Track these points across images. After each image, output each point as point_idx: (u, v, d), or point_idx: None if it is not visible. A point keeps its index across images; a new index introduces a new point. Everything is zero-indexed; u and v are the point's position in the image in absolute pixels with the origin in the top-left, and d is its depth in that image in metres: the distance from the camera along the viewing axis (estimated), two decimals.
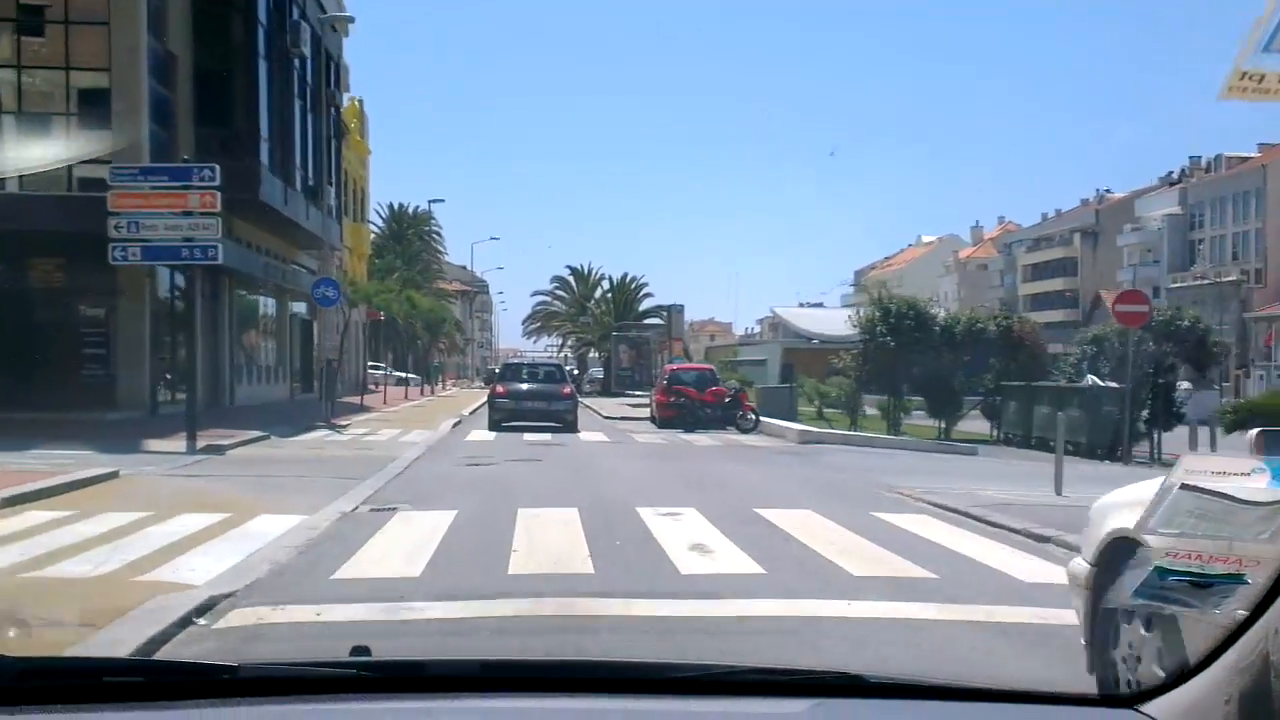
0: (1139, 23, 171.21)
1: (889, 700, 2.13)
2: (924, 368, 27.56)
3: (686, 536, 9.83)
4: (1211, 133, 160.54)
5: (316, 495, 12.88)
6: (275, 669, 2.23)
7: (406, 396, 46.99)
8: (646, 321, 58.81)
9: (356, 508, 12.08)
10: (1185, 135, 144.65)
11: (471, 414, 35.75)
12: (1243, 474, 1.65)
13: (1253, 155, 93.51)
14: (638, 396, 45.19)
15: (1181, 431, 23.32)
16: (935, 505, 13.00)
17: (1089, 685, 3.12)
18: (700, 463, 18.97)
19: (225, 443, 19.95)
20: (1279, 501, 1.60)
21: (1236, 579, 1.56)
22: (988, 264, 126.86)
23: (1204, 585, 1.61)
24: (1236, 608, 1.57)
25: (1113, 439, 22.34)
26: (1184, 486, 1.66)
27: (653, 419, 31.58)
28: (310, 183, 37.07)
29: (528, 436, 24.90)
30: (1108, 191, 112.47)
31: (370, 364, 59.09)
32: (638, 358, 51.94)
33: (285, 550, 9.09)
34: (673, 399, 29.18)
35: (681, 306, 40.81)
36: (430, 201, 72.41)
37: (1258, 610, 1.50)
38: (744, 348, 72.25)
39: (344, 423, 27.65)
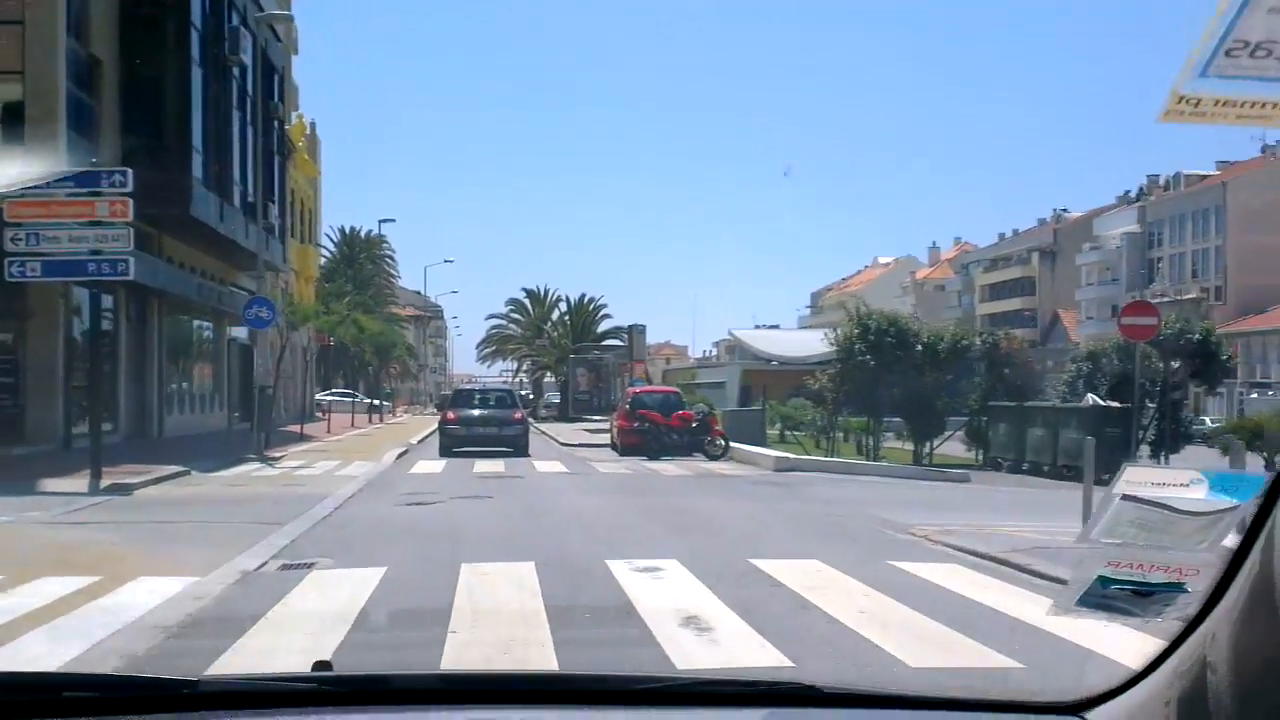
0: (1094, 42, 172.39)
1: (842, 710, 2.15)
2: (905, 388, 25.62)
3: (674, 603, 7.73)
4: (1169, 151, 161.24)
5: (219, 547, 10.69)
6: (235, 683, 2.27)
7: (353, 424, 44.59)
8: (605, 343, 56.83)
9: (264, 564, 9.91)
10: (1143, 153, 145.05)
11: (420, 442, 33.57)
12: (1182, 485, 1.65)
13: (1211, 173, 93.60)
14: (597, 421, 43.57)
15: (1193, 452, 21.47)
16: (959, 549, 10.99)
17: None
18: (673, 497, 16.90)
19: (135, 481, 17.65)
20: (1217, 512, 1.57)
21: (1177, 587, 1.56)
22: (945, 284, 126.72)
23: (1146, 593, 1.61)
24: (1177, 615, 1.55)
25: (1117, 463, 20.45)
26: (1125, 497, 1.67)
27: (614, 446, 29.70)
28: (250, 200, 34.72)
29: (478, 467, 22.75)
30: (1065, 211, 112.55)
31: (338, 391, 56.81)
32: (596, 381, 49.91)
33: (149, 633, 6.94)
34: (636, 424, 27.14)
35: (643, 327, 38.68)
36: (380, 221, 70.39)
37: (1198, 617, 1.49)
38: (702, 370, 70.70)
39: (278, 455, 25.34)
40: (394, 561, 9.73)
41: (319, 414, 48.90)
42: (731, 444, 26.52)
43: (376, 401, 66.45)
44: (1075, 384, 24.62)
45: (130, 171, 17.69)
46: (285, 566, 9.79)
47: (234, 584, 8.84)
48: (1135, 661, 1.71)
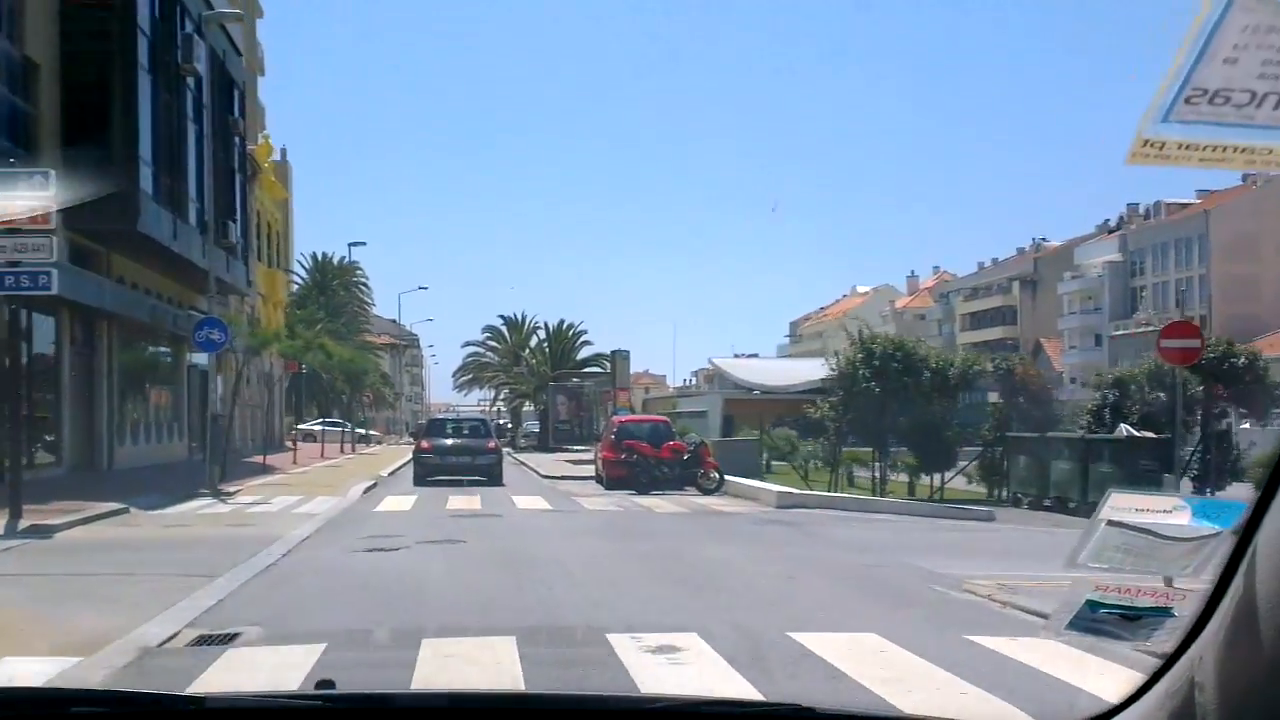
0: (1071, 73, 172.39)
1: None
2: (912, 416, 23.68)
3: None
4: (1147, 180, 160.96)
5: (128, 609, 8.62)
6: (241, 700, 2.28)
7: (323, 455, 42.34)
8: (586, 371, 54.83)
9: (175, 635, 7.85)
10: (1120, 183, 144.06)
11: (391, 474, 31.47)
12: (1165, 511, 1.71)
13: (1192, 201, 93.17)
14: (578, 452, 41.67)
15: (1242, 491, 19.55)
16: (1030, 612, 8.95)
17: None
18: (672, 540, 14.84)
19: (61, 521, 15.51)
20: (1201, 538, 1.61)
21: (1164, 611, 1.65)
22: (925, 314, 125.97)
23: (1134, 618, 1.69)
24: (1167, 639, 1.59)
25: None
26: (1110, 523, 1.76)
27: (599, 478, 27.69)
28: (209, 218, 32.60)
29: (452, 503, 20.68)
30: (1044, 240, 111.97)
31: (327, 421, 54.61)
32: (578, 409, 47.89)
33: None
34: (623, 456, 25.09)
35: (627, 353, 36.67)
36: (351, 245, 67.71)
37: (1186, 641, 1.49)
38: (683, 399, 68.82)
39: (234, 489, 23.15)
40: (337, 634, 7.66)
41: (288, 444, 46.67)
42: (725, 477, 24.60)
43: (364, 431, 64.55)
44: (1101, 413, 22.70)
45: (52, 173, 15.61)
46: (201, 640, 7.71)
47: (124, 668, 6.76)
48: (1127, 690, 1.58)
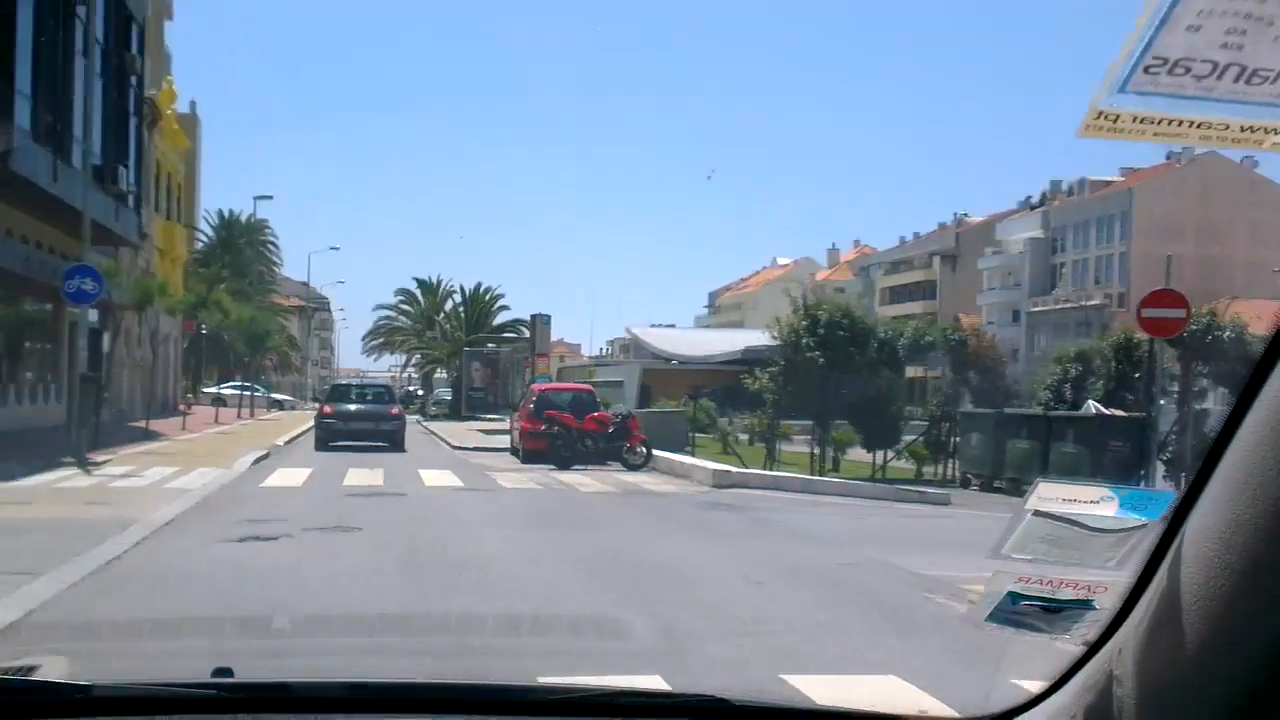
0: (998, 47, 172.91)
1: None
2: (858, 390, 21.85)
3: None
4: (1072, 156, 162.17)
5: None
6: (131, 689, 2.15)
7: (217, 420, 39.58)
8: (504, 336, 52.44)
9: None
10: (1044, 159, 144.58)
11: (288, 443, 29.02)
12: (1092, 501, 1.66)
13: (1115, 179, 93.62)
14: (493, 421, 39.51)
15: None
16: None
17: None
18: (610, 532, 12.76)
19: None
20: (1127, 529, 1.60)
21: (1086, 604, 1.60)
22: (845, 287, 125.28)
23: (1055, 610, 1.64)
24: (1087, 631, 1.57)
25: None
26: (1036, 513, 1.67)
27: (515, 451, 25.65)
28: (97, 162, 29.64)
29: (351, 477, 18.48)
30: (965, 215, 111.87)
31: (238, 384, 51.28)
32: (493, 377, 45.54)
33: None
34: (544, 427, 22.95)
35: (548, 317, 34.34)
36: (257, 199, 63.78)
37: (1106, 633, 1.51)
38: (600, 368, 67.19)
39: (105, 458, 20.58)
40: (163, 674, 5.48)
41: (183, 409, 43.76)
42: (653, 451, 22.69)
43: (279, 397, 61.43)
44: (1061, 388, 21.07)
45: None
46: None
47: None
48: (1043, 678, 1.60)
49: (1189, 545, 1.23)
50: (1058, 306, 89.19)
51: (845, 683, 5.82)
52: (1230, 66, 1.16)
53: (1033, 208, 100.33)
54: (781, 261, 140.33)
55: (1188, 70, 1.17)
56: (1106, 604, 1.53)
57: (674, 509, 15.45)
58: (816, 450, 22.70)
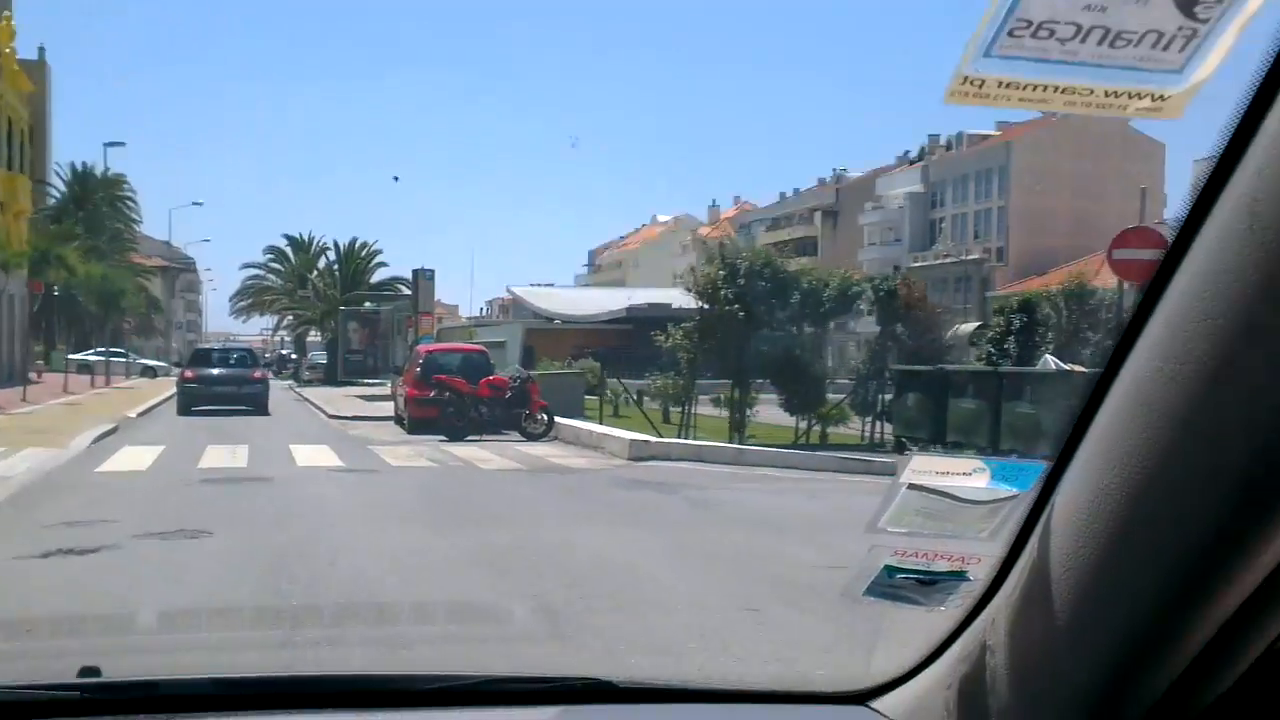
0: (870, 3, 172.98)
1: (637, 705, 2.16)
2: (781, 346, 19.80)
3: None
4: (950, 110, 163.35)
5: None
6: None
7: (66, 389, 35.86)
8: (383, 294, 49.34)
9: None
10: (923, 113, 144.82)
11: (142, 415, 25.92)
12: (965, 473, 1.67)
13: (993, 133, 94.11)
14: (374, 386, 36.71)
15: None
16: None
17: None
18: (529, 524, 10.39)
19: None
20: (999, 500, 1.59)
21: (960, 575, 1.61)
22: (726, 243, 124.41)
23: (930, 582, 1.63)
24: (962, 603, 1.59)
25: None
26: (911, 486, 1.68)
27: (400, 420, 23.13)
28: None
29: (209, 456, 15.86)
30: (845, 171, 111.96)
31: (107, 351, 46.85)
32: (372, 338, 42.50)
33: None
34: (433, 393, 20.40)
35: (431, 272, 31.48)
36: (108, 145, 58.42)
37: (980, 604, 1.53)
38: (481, 329, 64.97)
39: None
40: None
41: (34, 377, 39.78)
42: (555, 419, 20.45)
43: (151, 363, 57.02)
44: (1003, 342, 19.24)
45: None
46: None
47: None
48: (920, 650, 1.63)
49: (1057, 515, 1.25)
50: (938, 261, 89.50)
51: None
52: (1094, 29, 1.15)
53: (911, 163, 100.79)
54: (661, 219, 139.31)
55: (1052, 33, 1.16)
56: (981, 575, 1.52)
57: (593, 489, 13.12)
58: (736, 414, 20.59)
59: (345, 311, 45.41)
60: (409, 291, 39.75)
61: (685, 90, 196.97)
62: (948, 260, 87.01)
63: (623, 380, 27.00)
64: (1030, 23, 1.14)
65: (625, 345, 45.55)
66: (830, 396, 21.59)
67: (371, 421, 24.40)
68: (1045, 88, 1.21)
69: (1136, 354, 1.10)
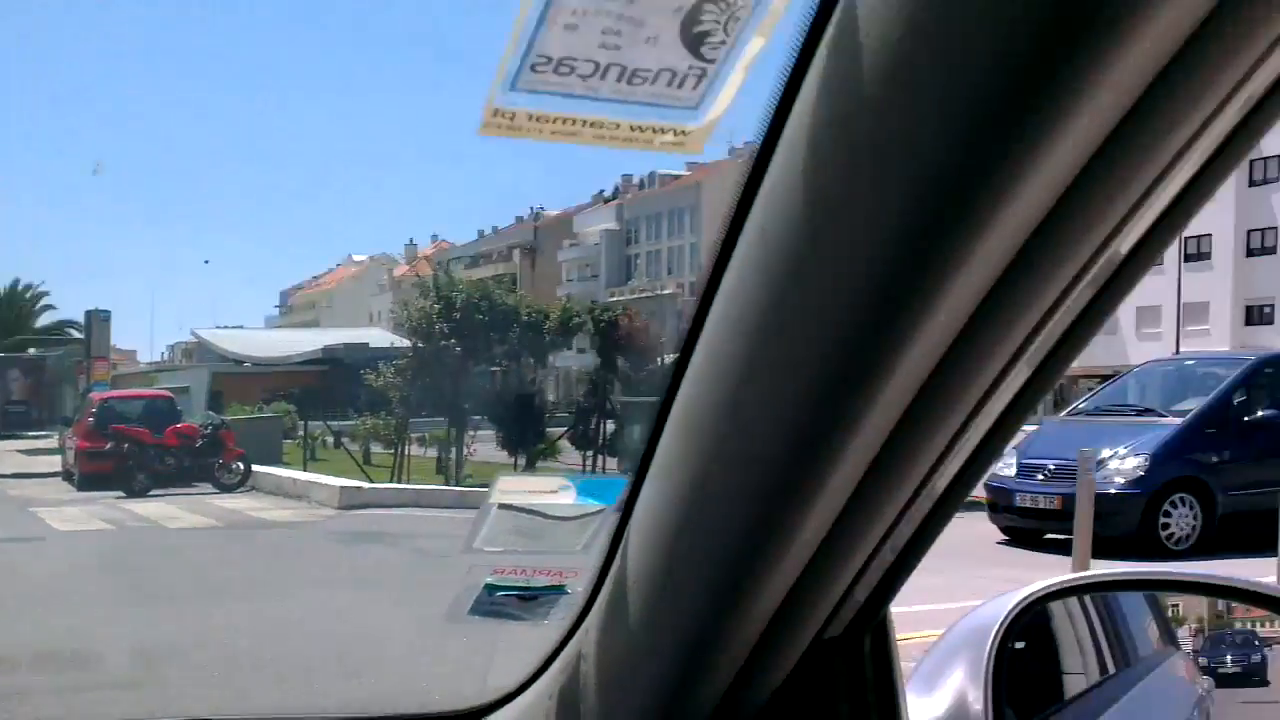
0: None
1: None
2: (500, 382, 18.93)
3: None
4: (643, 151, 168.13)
5: None
6: None
7: None
8: (50, 339, 45.73)
9: None
10: (616, 153, 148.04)
11: None
12: (551, 491, 1.69)
13: (683, 173, 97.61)
14: (40, 439, 33.28)
15: None
16: None
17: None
18: (237, 597, 8.87)
19: None
20: (587, 515, 1.60)
21: (559, 589, 1.62)
22: (441, 276, 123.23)
23: (531, 598, 1.65)
24: (565, 615, 1.56)
25: None
26: (501, 506, 1.68)
27: (69, 475, 20.75)
28: None
29: None
30: (542, 209, 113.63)
31: None
32: (37, 388, 39.15)
33: None
34: (110, 445, 18.45)
35: (108, 314, 28.86)
36: None
37: (581, 615, 1.49)
38: (163, 374, 61.80)
39: None
40: None
41: None
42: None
43: None
44: None
45: None
46: None
47: None
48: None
49: (635, 528, 1.30)
50: (634, 296, 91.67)
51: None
52: (612, 66, 1.12)
53: (606, 201, 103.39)
54: (357, 258, 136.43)
55: (572, 69, 1.13)
56: (580, 588, 1.52)
57: (308, 547, 11.70)
58: (452, 454, 19.46)
59: (5, 359, 41.80)
60: (81, 335, 36.64)
61: (376, 127, 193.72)
62: (644, 295, 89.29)
63: (329, 423, 25.73)
64: (550, 59, 1.11)
65: (322, 386, 43.91)
66: (552, 430, 20.95)
67: (36, 479, 21.86)
68: (575, 121, 1.16)
69: (693, 365, 1.11)
